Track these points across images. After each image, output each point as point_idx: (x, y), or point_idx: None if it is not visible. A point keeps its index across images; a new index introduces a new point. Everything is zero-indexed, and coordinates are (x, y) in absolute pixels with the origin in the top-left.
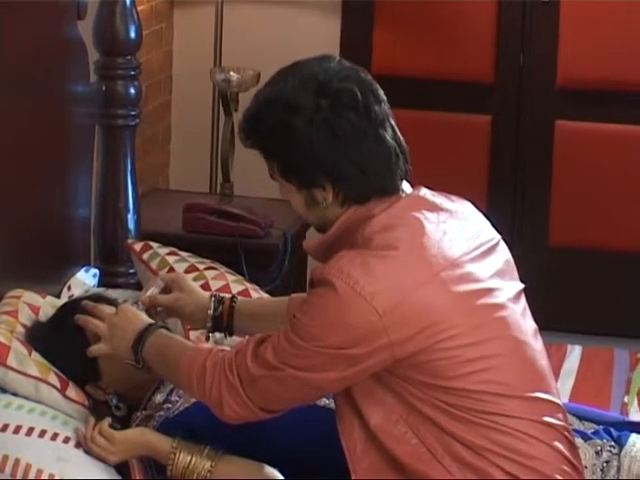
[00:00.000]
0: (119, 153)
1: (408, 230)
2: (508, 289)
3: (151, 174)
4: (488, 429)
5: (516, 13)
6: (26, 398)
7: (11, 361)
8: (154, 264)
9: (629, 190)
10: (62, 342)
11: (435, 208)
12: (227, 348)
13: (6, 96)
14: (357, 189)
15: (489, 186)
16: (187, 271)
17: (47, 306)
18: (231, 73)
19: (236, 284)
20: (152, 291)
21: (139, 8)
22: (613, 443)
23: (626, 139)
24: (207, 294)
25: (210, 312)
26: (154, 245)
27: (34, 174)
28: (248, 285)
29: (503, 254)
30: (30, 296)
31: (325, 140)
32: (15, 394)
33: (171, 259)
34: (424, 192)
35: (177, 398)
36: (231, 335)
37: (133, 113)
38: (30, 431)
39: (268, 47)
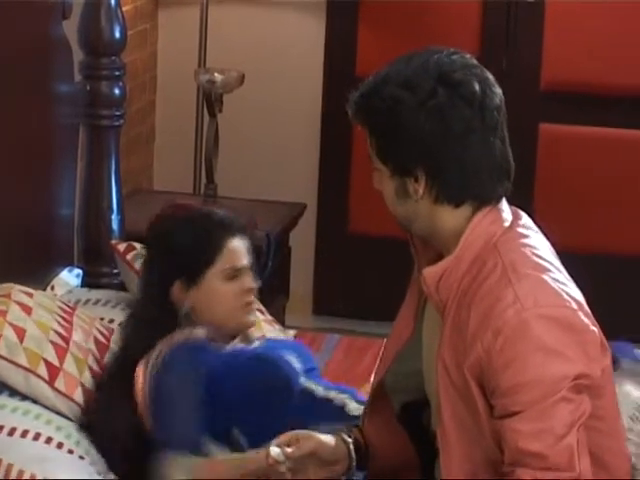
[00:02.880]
0: (103, 153)
1: (546, 250)
2: None
3: (135, 175)
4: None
5: (500, 15)
6: (15, 388)
7: (1, 349)
8: (138, 265)
9: (613, 193)
10: (194, 224)
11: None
12: None
13: None
14: (452, 187)
15: None
16: None
17: (37, 307)
18: (215, 74)
19: None
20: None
21: (123, 8)
22: None
23: (610, 142)
24: (328, 435)
25: (351, 440)
26: (138, 246)
27: (18, 173)
28: None
29: None
30: (18, 295)
31: (432, 127)
32: (5, 384)
33: None
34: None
35: None
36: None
37: (118, 113)
38: (12, 431)
39: (253, 48)
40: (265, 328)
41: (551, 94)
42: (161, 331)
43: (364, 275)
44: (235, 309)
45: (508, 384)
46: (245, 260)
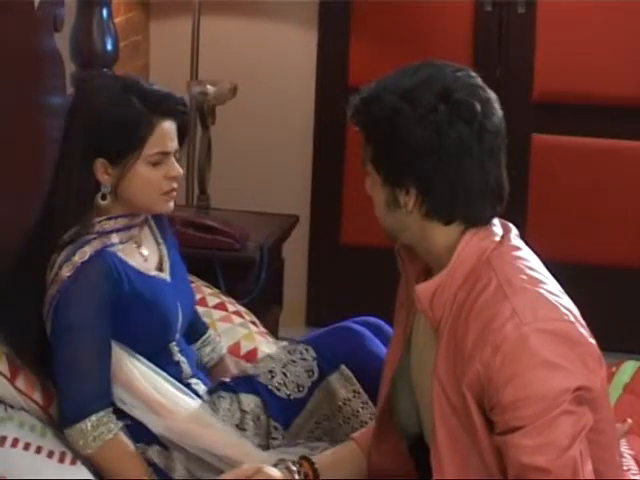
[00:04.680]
0: None
1: (537, 262)
2: None
3: None
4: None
5: (493, 26)
6: None
7: None
8: None
9: (607, 203)
10: (123, 100)
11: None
12: None
13: None
14: (441, 205)
15: None
16: None
17: None
18: (208, 86)
19: (212, 297)
20: None
21: (115, 20)
22: None
23: (603, 153)
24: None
25: (297, 477)
26: None
27: (10, 185)
28: (224, 298)
29: None
30: None
31: (427, 143)
32: None
33: None
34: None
35: None
36: None
37: None
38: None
39: (245, 60)
40: (258, 340)
41: (544, 105)
42: (81, 211)
43: (357, 286)
44: (156, 195)
45: (509, 400)
46: (173, 144)
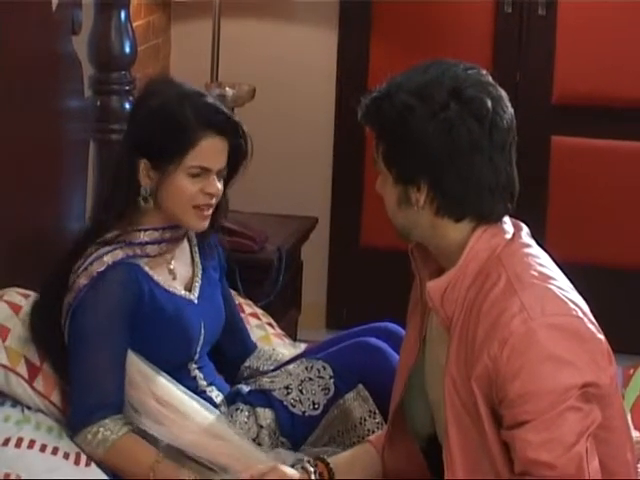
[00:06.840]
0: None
1: (547, 259)
2: None
3: None
4: None
5: (513, 28)
6: None
7: None
8: None
9: (626, 206)
10: (173, 108)
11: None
12: None
13: (0, 111)
14: (453, 201)
15: None
16: None
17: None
18: (227, 88)
19: None
20: None
21: (136, 23)
22: None
23: (622, 154)
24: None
25: (313, 477)
26: None
27: (29, 188)
28: (242, 300)
29: None
30: (12, 295)
31: (439, 138)
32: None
33: None
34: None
35: None
36: None
37: None
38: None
39: (266, 61)
40: (274, 341)
41: (563, 107)
42: (122, 209)
43: (377, 288)
44: (188, 206)
45: (516, 394)
46: (216, 162)
